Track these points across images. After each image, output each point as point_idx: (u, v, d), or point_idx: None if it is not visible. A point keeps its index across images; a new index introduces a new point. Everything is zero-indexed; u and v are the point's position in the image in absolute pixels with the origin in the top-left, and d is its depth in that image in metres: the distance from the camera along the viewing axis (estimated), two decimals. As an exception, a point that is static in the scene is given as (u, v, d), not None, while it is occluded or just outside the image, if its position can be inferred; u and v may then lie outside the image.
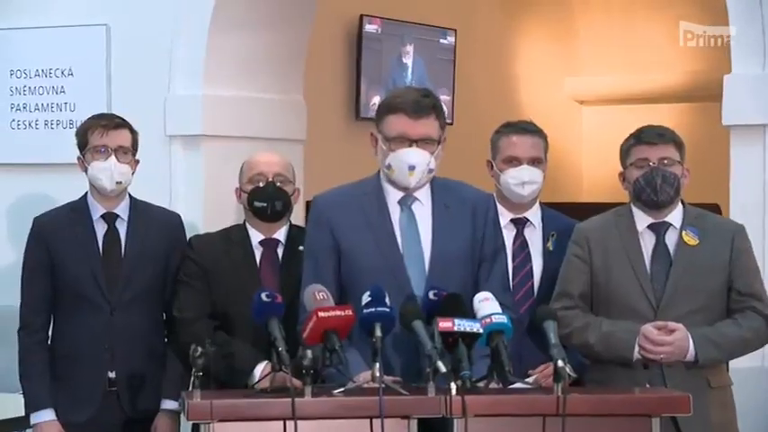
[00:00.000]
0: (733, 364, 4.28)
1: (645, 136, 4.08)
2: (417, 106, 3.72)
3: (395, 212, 3.78)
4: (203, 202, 5.45)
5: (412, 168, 3.72)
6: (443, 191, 3.83)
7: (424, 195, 3.81)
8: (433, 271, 3.71)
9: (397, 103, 3.74)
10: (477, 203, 3.83)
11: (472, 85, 8.91)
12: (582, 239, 4.11)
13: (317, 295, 3.46)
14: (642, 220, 4.09)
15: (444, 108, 3.87)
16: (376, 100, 7.85)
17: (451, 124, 8.05)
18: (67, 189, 4.72)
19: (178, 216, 4.65)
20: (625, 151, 4.12)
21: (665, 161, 4.04)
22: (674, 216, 4.08)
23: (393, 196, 3.80)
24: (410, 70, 8.34)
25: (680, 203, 4.11)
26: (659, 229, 4.07)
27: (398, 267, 3.71)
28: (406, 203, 3.79)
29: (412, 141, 3.72)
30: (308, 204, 4.57)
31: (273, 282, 4.25)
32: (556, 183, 8.39)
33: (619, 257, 4.05)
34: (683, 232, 4.05)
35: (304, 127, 5.94)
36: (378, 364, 3.29)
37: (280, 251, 4.36)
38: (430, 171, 3.76)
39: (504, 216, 4.31)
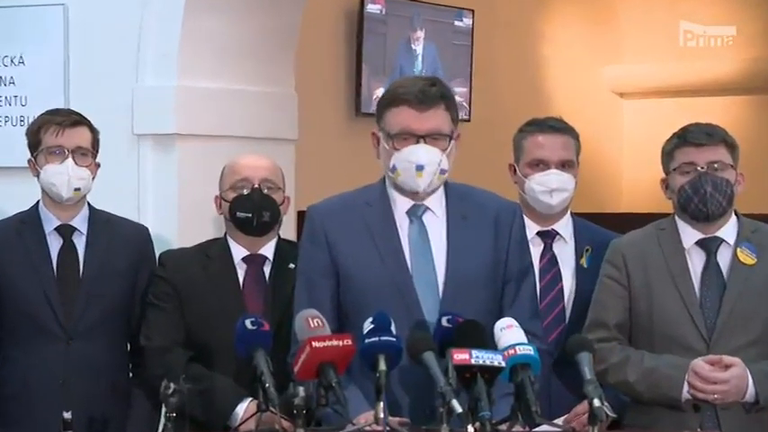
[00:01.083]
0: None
1: (690, 135, 4.08)
2: (423, 96, 3.72)
3: (403, 225, 3.80)
4: (177, 213, 5.45)
5: (420, 168, 3.72)
6: (460, 199, 3.84)
7: (436, 204, 3.82)
8: (448, 293, 3.72)
9: (400, 94, 3.76)
10: (500, 214, 3.84)
11: (493, 75, 8.92)
12: (618, 258, 4.11)
13: (311, 322, 3.46)
14: (689, 235, 4.09)
15: (458, 100, 3.87)
16: (379, 93, 7.86)
17: (468, 121, 8.06)
18: (16, 197, 4.74)
19: (146, 229, 4.67)
20: (668, 154, 4.12)
21: (716, 165, 4.04)
22: (727, 230, 4.09)
23: (401, 205, 3.81)
24: (420, 58, 8.34)
25: (733, 215, 4.11)
26: (710, 245, 4.08)
27: (407, 289, 3.72)
28: (416, 214, 3.81)
29: (419, 137, 3.73)
30: (300, 215, 4.58)
31: (259, 306, 4.27)
32: (590, 189, 8.40)
33: (662, 279, 4.05)
34: (738, 249, 4.06)
35: (296, 124, 5.95)
36: (382, 404, 3.30)
37: (267, 269, 4.38)
38: (442, 172, 3.77)
39: (531, 228, 4.32)
